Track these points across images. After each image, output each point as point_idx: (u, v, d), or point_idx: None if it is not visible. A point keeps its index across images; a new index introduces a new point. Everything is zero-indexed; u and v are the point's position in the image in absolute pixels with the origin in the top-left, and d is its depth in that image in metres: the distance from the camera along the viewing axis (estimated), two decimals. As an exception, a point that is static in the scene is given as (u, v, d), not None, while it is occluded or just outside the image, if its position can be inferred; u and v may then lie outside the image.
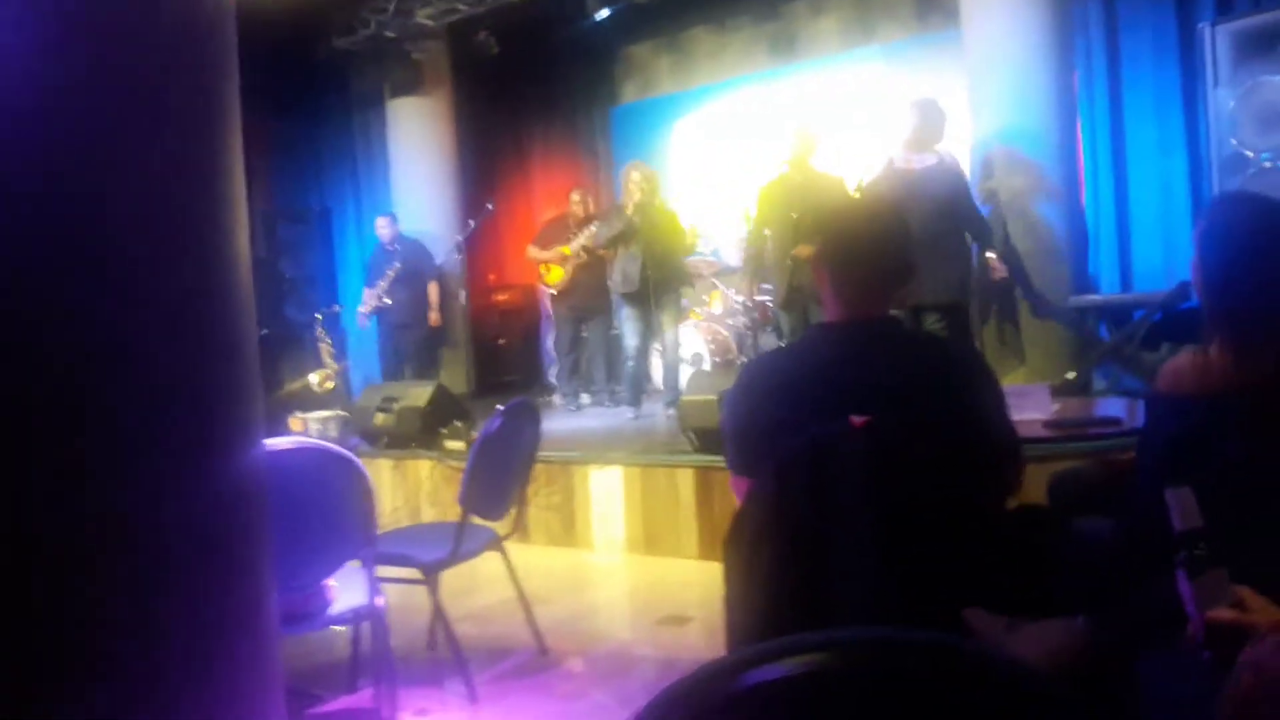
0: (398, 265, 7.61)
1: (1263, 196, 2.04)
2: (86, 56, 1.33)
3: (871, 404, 1.92)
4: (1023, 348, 5.72)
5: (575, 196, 7.27)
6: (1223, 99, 5.32)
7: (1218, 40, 5.35)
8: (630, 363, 6.50)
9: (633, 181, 6.29)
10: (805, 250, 5.17)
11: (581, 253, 6.90)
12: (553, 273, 7.12)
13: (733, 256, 7.51)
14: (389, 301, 7.65)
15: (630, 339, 6.45)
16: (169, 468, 1.43)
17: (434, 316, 7.83)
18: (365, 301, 7.76)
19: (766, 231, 5.73)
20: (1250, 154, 5.22)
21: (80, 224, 1.33)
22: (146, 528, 1.41)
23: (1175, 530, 1.39)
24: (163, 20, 1.43)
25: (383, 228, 7.86)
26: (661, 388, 6.64)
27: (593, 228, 6.77)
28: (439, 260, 7.86)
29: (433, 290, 7.83)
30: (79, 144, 1.33)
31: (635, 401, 6.51)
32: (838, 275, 2.11)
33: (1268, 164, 5.16)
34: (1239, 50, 5.28)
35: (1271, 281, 1.88)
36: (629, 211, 6.25)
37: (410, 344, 7.83)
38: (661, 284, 6.26)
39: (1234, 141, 5.27)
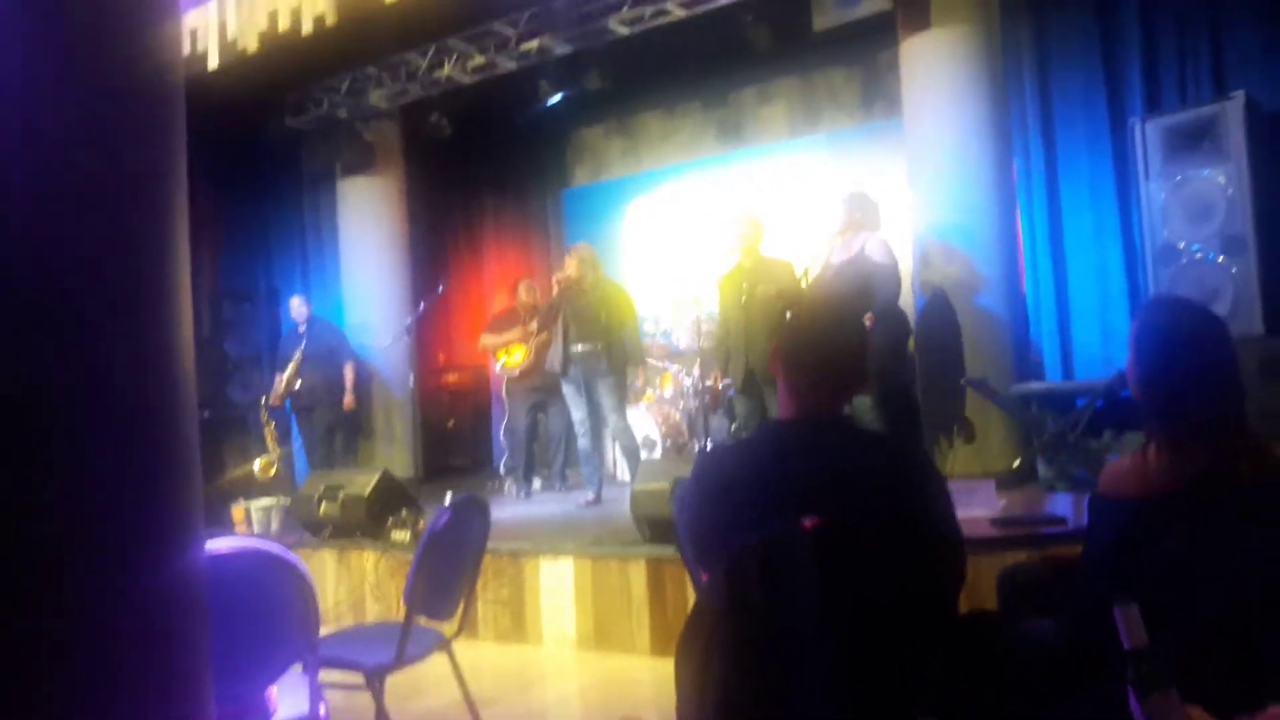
0: (303, 346, 7.42)
1: (1192, 302, 2.12)
2: (26, 128, 1.31)
3: (822, 503, 1.93)
4: (984, 434, 5.76)
5: (523, 286, 7.29)
6: (1154, 192, 5.52)
7: (1148, 135, 5.56)
8: (580, 440, 6.44)
9: (566, 263, 6.38)
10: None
11: (541, 328, 6.86)
12: (513, 351, 7.08)
13: (684, 339, 7.56)
14: (298, 385, 7.39)
15: (574, 413, 6.40)
16: (101, 572, 1.38)
17: (348, 400, 7.60)
18: (275, 388, 7.47)
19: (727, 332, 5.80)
20: (1181, 245, 5.40)
21: (7, 303, 1.30)
22: (76, 636, 1.35)
23: (1125, 649, 1.40)
24: (109, 95, 1.41)
25: (296, 308, 7.66)
26: (615, 474, 6.61)
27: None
28: (385, 341, 7.76)
29: (348, 371, 7.64)
30: (17, 221, 1.30)
31: (590, 482, 6.40)
32: (792, 374, 2.15)
33: (1198, 255, 5.34)
34: (1168, 145, 5.49)
35: (1204, 385, 1.94)
36: (555, 294, 6.34)
37: (324, 427, 7.57)
38: (590, 366, 6.20)
39: (1166, 233, 5.46)
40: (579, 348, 6.20)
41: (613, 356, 6.21)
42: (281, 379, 7.44)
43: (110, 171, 1.41)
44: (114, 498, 1.41)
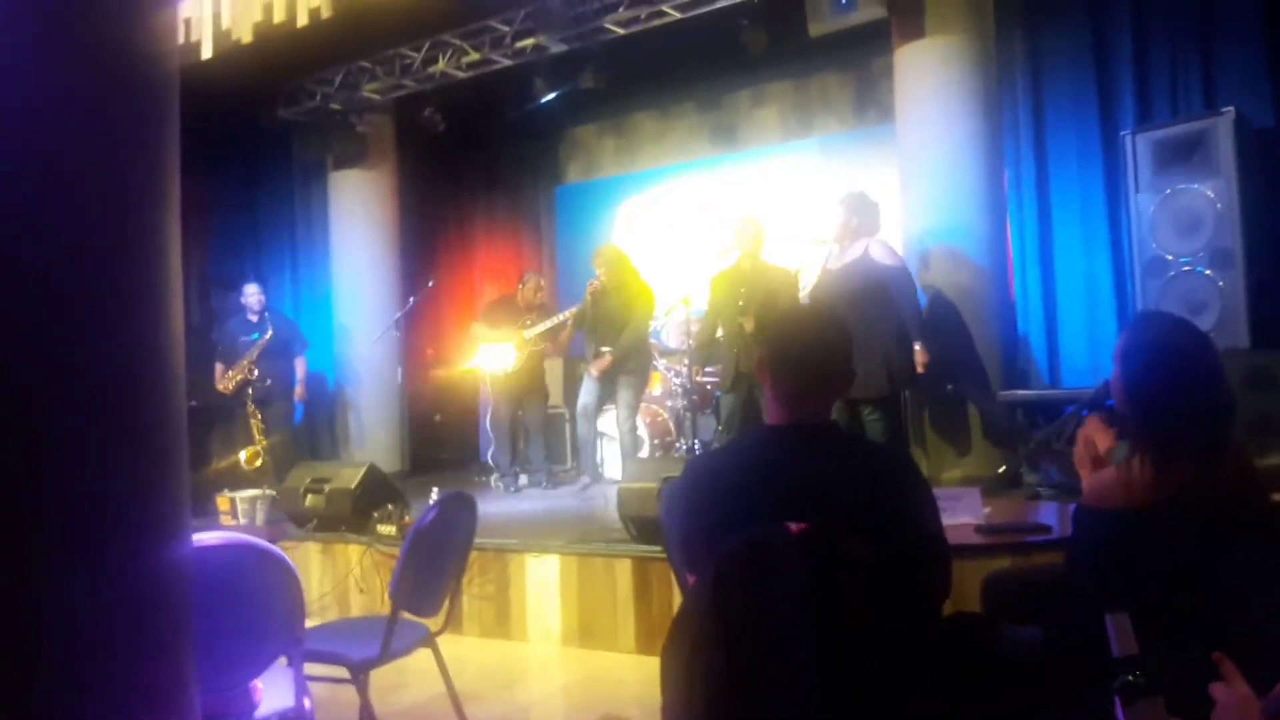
0: (269, 335, 7.28)
1: (1178, 318, 2.14)
2: (18, 115, 1.30)
3: (809, 509, 1.94)
4: (971, 439, 5.78)
5: (530, 281, 7.18)
6: (1144, 204, 5.54)
7: (1138, 148, 5.58)
8: (580, 426, 6.53)
9: (595, 269, 6.55)
10: (749, 324, 5.46)
11: (536, 340, 6.91)
12: (506, 351, 7.05)
13: (672, 339, 7.57)
14: (255, 375, 7.21)
15: (582, 397, 6.52)
16: (90, 563, 1.38)
17: (300, 391, 7.57)
18: (225, 377, 7.28)
19: (719, 331, 5.89)
20: (1170, 257, 5.42)
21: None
22: (63, 625, 1.35)
23: (1113, 655, 1.42)
24: (103, 83, 1.41)
25: (252, 295, 7.47)
26: (603, 472, 6.70)
27: (559, 317, 6.79)
28: (375, 335, 7.72)
29: (300, 365, 7.61)
30: (7, 209, 1.30)
31: (585, 467, 6.50)
32: (780, 380, 2.16)
33: (1186, 268, 5.36)
34: (1158, 158, 5.51)
35: (1189, 399, 1.96)
36: (586, 296, 6.51)
37: (275, 419, 7.41)
38: (615, 365, 6.35)
39: (1154, 245, 5.48)
40: (605, 349, 6.37)
41: (637, 356, 6.43)
42: (230, 368, 7.25)
43: (103, 161, 1.41)
44: (104, 490, 1.41)
